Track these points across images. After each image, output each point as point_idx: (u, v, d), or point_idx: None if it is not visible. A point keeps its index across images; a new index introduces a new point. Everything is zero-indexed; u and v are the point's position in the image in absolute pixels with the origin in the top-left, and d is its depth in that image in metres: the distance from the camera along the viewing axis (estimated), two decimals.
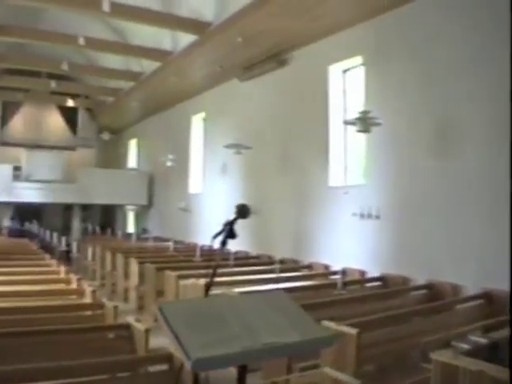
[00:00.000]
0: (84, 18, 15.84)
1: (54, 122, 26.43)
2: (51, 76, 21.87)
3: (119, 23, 16.22)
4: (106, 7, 12.48)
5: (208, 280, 3.30)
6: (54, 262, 11.91)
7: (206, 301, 3.02)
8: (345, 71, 12.29)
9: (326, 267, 11.60)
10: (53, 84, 21.70)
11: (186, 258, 13.74)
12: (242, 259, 13.20)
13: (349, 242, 11.13)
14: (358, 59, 11.54)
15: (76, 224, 24.64)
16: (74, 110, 26.74)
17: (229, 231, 3.29)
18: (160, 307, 2.54)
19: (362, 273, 10.56)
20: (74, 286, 9.05)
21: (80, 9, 13.44)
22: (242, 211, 3.34)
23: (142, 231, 23.40)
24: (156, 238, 18.67)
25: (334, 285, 9.08)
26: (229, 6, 12.41)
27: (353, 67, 12.02)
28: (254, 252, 14.17)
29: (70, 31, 15.71)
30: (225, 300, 2.93)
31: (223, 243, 3.30)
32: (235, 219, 3.30)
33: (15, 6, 13.48)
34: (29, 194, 22.19)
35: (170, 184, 21.55)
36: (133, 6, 13.12)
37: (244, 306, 2.76)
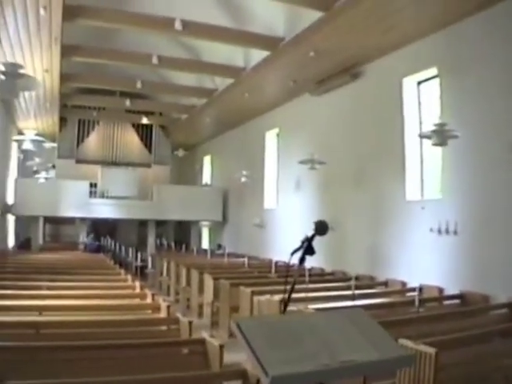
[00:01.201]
0: (157, 36, 16.07)
1: (129, 139, 26.91)
2: (125, 94, 22.37)
3: (192, 41, 16.39)
4: (178, 26, 12.67)
5: (284, 296, 3.25)
6: (129, 277, 12.06)
7: (283, 317, 2.97)
8: (419, 83, 12.08)
9: (403, 284, 11.38)
10: (127, 102, 22.18)
11: (261, 274, 13.69)
12: (317, 275, 13.07)
13: (426, 258, 10.85)
14: (433, 70, 11.33)
15: (151, 240, 24.89)
16: (148, 128, 27.20)
17: (307, 248, 3.24)
18: (238, 323, 2.50)
19: (440, 290, 10.27)
20: (149, 300, 9.13)
21: (153, 28, 13.65)
22: (321, 228, 3.29)
23: (216, 247, 23.50)
24: (230, 254, 18.68)
25: (410, 302, 8.84)
26: (300, 20, 12.40)
27: (427, 79, 11.81)
28: (328, 268, 14.01)
29: (143, 50, 16.01)
30: (302, 317, 2.87)
31: (301, 260, 3.24)
32: (313, 236, 3.25)
33: (90, 26, 13.76)
34: (104, 210, 22.65)
35: (245, 200, 21.62)
36: (205, 24, 13.26)
37: (322, 324, 2.69)
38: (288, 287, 3.20)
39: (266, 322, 2.69)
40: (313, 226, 3.31)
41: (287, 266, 3.45)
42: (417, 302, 7.96)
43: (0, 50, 12.68)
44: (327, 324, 2.70)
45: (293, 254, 3.23)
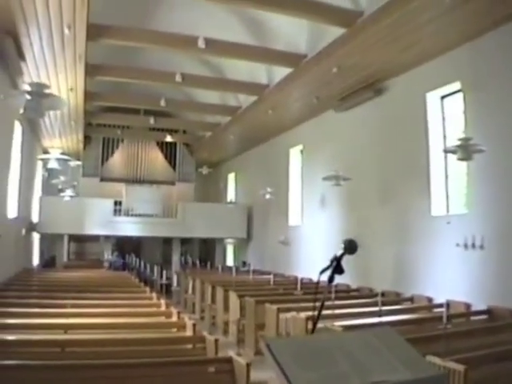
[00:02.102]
0: (180, 54, 16.15)
1: (153, 157, 27.05)
2: (149, 112, 22.49)
3: (215, 59, 16.47)
4: (201, 44, 12.74)
5: (312, 314, 3.21)
6: (154, 294, 12.05)
7: (312, 337, 2.92)
8: (443, 97, 12.03)
9: (429, 300, 11.26)
10: (151, 120, 22.27)
11: (286, 291, 13.62)
12: (343, 292, 12.98)
13: (452, 273, 10.72)
14: (456, 85, 11.27)
15: (175, 257, 24.92)
16: (172, 145, 27.31)
17: (336, 267, 3.20)
18: (267, 343, 2.45)
19: (467, 306, 10.11)
20: (174, 319, 9.10)
21: (176, 47, 13.73)
22: (350, 247, 3.25)
23: (241, 264, 23.45)
24: (255, 271, 18.61)
25: (437, 318, 8.75)
26: (322, 37, 12.43)
27: (451, 93, 11.75)
28: (354, 285, 13.89)
29: (167, 68, 16.09)
30: (332, 336, 2.83)
31: (330, 279, 3.20)
32: (342, 255, 3.21)
33: (114, 45, 13.88)
34: (129, 227, 22.76)
35: (269, 217, 21.59)
36: (228, 41, 13.33)
37: (352, 343, 2.64)
38: (317, 305, 3.16)
39: (295, 342, 2.65)
40: (341, 245, 3.26)
41: (315, 284, 3.40)
42: (445, 318, 7.82)
43: (25, 69, 12.84)
44: (357, 343, 2.64)
45: (321, 273, 3.19)
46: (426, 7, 9.31)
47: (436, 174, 11.83)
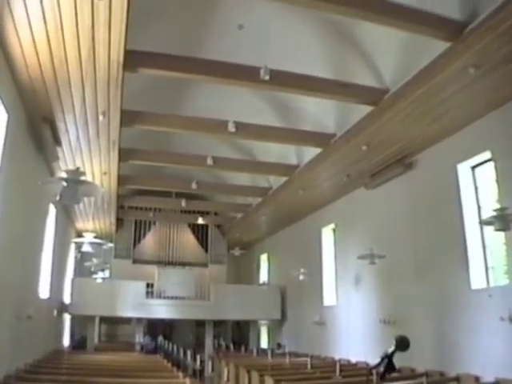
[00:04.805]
0: (211, 138, 16.40)
1: (185, 239, 27.16)
2: (181, 195, 22.69)
3: (245, 142, 16.68)
4: (231, 128, 12.96)
5: None
6: (187, 380, 11.77)
7: None
8: (473, 167, 11.98)
9: (476, 379, 10.65)
10: (183, 203, 22.41)
11: (324, 374, 13.19)
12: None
13: (499, 348, 10.24)
14: (487, 154, 11.24)
15: (208, 340, 24.53)
16: (204, 227, 27.47)
17: (388, 364, 3.13)
18: None
19: None
20: None
21: (207, 131, 13.98)
22: (401, 344, 3.20)
23: (276, 346, 23.05)
24: (291, 354, 18.21)
25: None
26: (350, 115, 12.67)
27: (482, 162, 11.69)
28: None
29: (198, 152, 16.35)
30: None
31: (382, 376, 3.14)
32: (394, 352, 3.14)
33: (146, 130, 14.16)
34: (161, 310, 22.57)
35: (303, 297, 21.33)
36: (257, 125, 13.57)
37: None
38: None
39: None
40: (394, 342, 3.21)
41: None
42: None
43: (61, 154, 13.12)
44: None
45: (372, 369, 3.13)
46: (450, 80, 9.45)
47: (473, 246, 11.59)
